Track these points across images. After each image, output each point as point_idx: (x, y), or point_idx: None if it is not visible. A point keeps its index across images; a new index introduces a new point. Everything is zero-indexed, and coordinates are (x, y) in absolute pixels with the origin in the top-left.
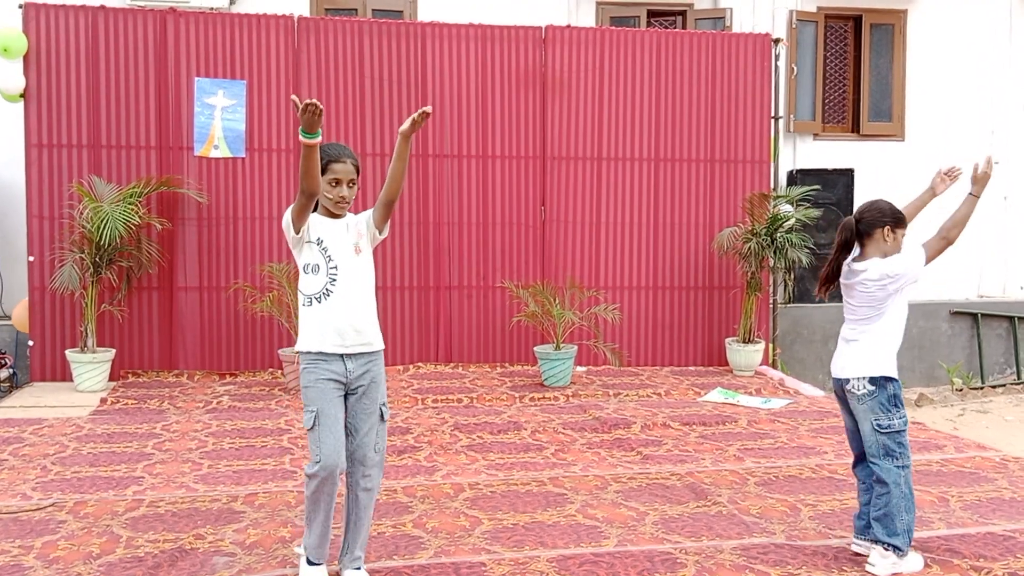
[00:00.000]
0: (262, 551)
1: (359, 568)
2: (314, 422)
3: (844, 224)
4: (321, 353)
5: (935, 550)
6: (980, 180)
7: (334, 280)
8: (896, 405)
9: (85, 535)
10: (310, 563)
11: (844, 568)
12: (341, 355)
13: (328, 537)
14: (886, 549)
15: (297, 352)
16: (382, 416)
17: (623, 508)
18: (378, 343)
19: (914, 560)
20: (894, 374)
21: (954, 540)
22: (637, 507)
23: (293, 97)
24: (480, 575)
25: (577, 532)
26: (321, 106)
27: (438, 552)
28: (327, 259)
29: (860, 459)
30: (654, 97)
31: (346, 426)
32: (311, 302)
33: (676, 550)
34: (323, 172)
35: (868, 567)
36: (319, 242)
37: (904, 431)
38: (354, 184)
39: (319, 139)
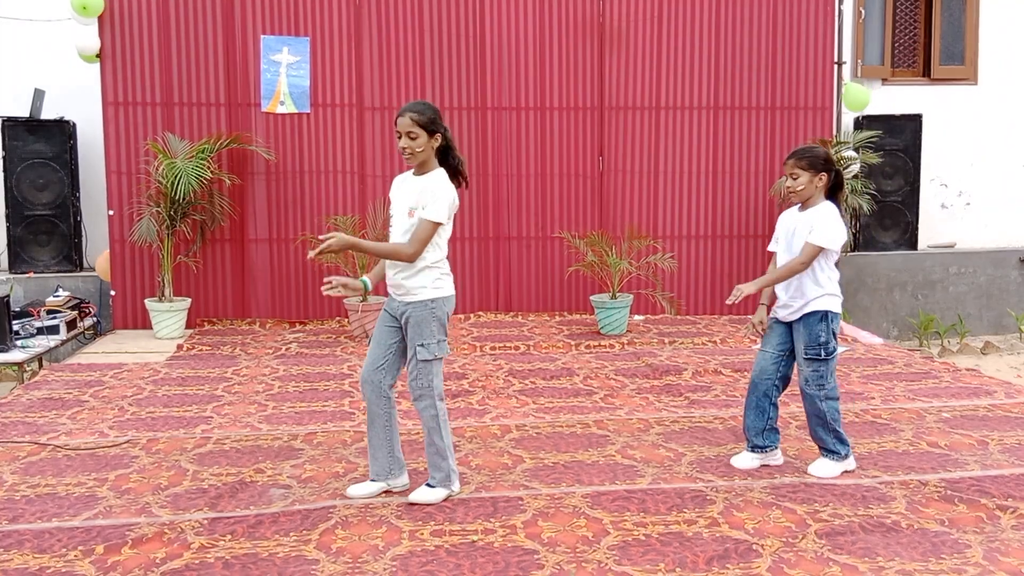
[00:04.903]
0: (316, 485)
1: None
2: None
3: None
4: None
5: (965, 490)
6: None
7: (389, 233)
8: None
9: (155, 469)
10: (372, 480)
11: (870, 505)
12: (392, 296)
13: (374, 454)
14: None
15: None
16: (416, 355)
17: (662, 449)
18: (412, 294)
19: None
20: None
21: (986, 481)
22: (676, 448)
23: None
24: (516, 508)
25: (614, 471)
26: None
27: (479, 488)
28: (391, 213)
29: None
30: (713, 44)
31: None
32: None
33: (707, 488)
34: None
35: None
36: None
37: None
38: (414, 135)
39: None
